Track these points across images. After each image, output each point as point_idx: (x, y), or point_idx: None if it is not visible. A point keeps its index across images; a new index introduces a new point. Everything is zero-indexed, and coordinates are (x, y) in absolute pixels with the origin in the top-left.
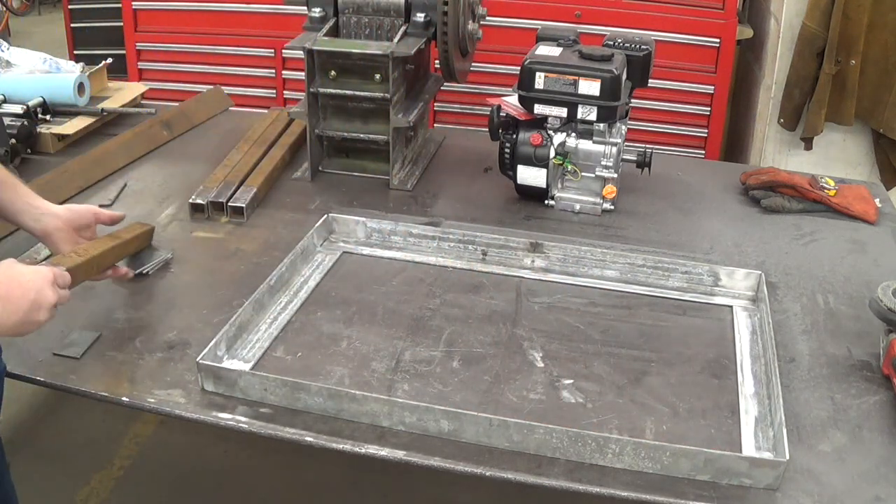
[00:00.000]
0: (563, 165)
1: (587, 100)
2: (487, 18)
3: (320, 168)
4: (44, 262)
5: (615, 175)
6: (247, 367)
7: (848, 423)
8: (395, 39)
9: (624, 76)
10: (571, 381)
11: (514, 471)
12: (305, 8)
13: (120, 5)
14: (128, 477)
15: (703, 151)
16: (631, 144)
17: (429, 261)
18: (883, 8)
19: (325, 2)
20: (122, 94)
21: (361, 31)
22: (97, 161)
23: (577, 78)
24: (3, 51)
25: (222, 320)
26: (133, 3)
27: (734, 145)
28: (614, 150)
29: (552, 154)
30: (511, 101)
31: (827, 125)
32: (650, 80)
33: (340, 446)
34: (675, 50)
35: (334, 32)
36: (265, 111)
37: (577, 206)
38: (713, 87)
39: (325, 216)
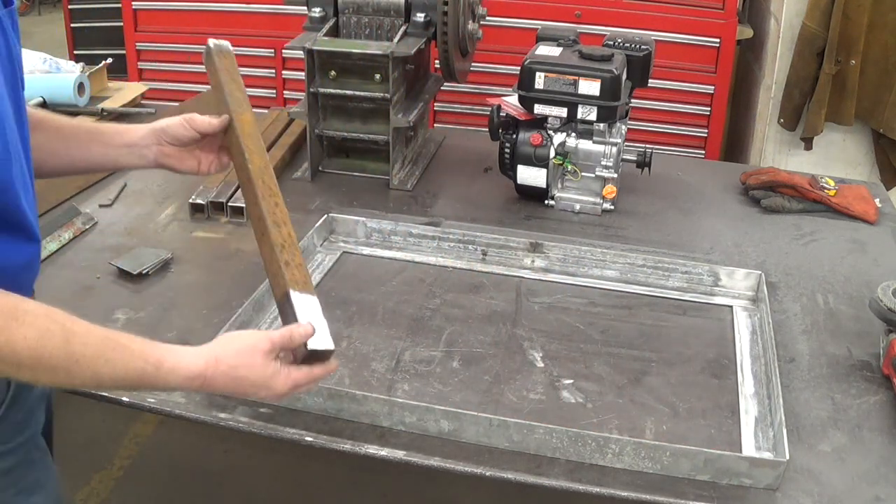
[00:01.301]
0: (563, 165)
1: (587, 100)
2: (487, 18)
3: (320, 168)
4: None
5: (615, 175)
6: None
7: (848, 423)
8: (395, 39)
9: (624, 76)
10: (571, 381)
11: (514, 471)
12: (305, 8)
13: (120, 5)
14: (128, 477)
15: (703, 151)
16: (631, 144)
17: (429, 261)
18: (883, 8)
19: (325, 2)
20: (122, 94)
21: (361, 31)
22: None
23: (577, 78)
24: None
25: (222, 320)
26: (133, 3)
27: (734, 145)
28: (614, 150)
29: (552, 154)
30: (511, 101)
31: (827, 125)
32: (650, 80)
33: (340, 446)
34: (675, 50)
35: (334, 32)
36: (265, 111)
37: (577, 206)
38: (713, 87)
39: (325, 216)
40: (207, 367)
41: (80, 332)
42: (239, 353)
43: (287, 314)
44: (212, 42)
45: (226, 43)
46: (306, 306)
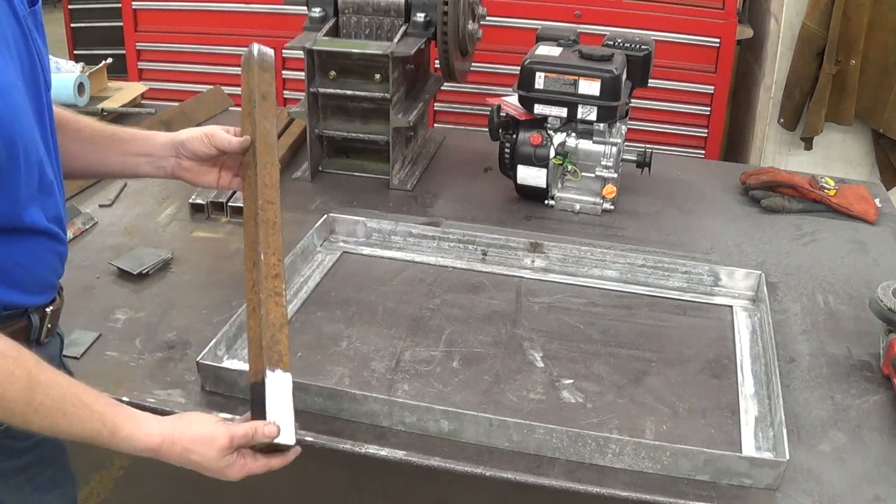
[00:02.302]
0: (563, 165)
1: (587, 100)
2: (487, 18)
3: (320, 168)
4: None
5: (615, 175)
6: (247, 366)
7: (848, 423)
8: (395, 39)
9: (624, 76)
10: (571, 381)
11: (514, 471)
12: (305, 8)
13: (120, 5)
14: (128, 477)
15: (703, 151)
16: (631, 144)
17: (429, 261)
18: (883, 8)
19: (325, 2)
20: (122, 94)
21: (361, 31)
22: None
23: (577, 78)
24: None
25: (222, 320)
26: (133, 3)
27: (734, 145)
28: (614, 150)
29: (552, 154)
30: (511, 101)
31: (827, 125)
32: (650, 80)
33: (340, 446)
34: (675, 50)
35: (334, 32)
36: None
37: (577, 206)
38: (713, 87)
39: (325, 216)
40: (163, 444)
41: (45, 382)
42: (195, 440)
43: (257, 399)
44: (256, 49)
45: (270, 53)
46: (279, 392)
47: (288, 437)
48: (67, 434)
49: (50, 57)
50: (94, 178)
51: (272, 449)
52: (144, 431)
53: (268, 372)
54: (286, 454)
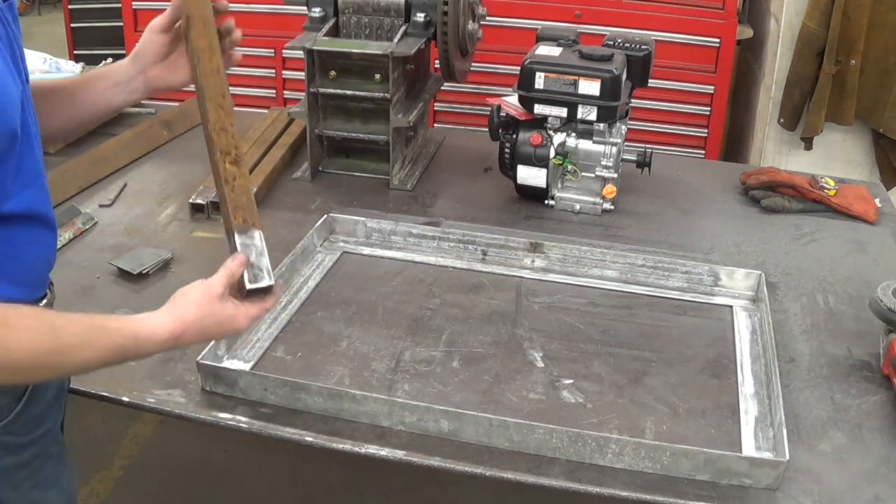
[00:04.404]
0: (563, 165)
1: (587, 100)
2: (487, 18)
3: (320, 168)
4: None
5: (615, 175)
6: (247, 366)
7: (848, 423)
8: (395, 39)
9: (624, 76)
10: (571, 381)
11: (514, 471)
12: (305, 8)
13: (120, 5)
14: (128, 477)
15: (703, 151)
16: (631, 144)
17: (429, 261)
18: (883, 8)
19: (325, 2)
20: None
21: (361, 31)
22: (97, 161)
23: (577, 78)
24: None
25: None
26: (133, 3)
27: (734, 145)
28: (614, 150)
29: (552, 154)
30: (511, 101)
31: (827, 125)
32: (650, 80)
33: (340, 446)
34: (675, 50)
35: (334, 32)
36: (265, 111)
37: (577, 206)
38: (713, 87)
39: (325, 216)
40: (177, 328)
41: (64, 324)
42: (199, 305)
43: (231, 246)
44: None
45: None
46: (247, 243)
47: (265, 280)
48: (97, 362)
49: (50, 57)
50: (78, 129)
51: (253, 295)
52: (158, 324)
53: (235, 233)
54: (275, 293)
